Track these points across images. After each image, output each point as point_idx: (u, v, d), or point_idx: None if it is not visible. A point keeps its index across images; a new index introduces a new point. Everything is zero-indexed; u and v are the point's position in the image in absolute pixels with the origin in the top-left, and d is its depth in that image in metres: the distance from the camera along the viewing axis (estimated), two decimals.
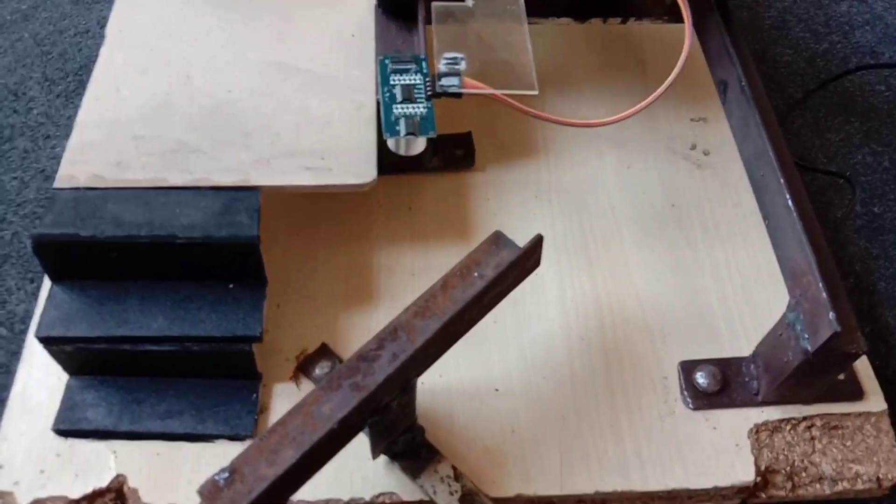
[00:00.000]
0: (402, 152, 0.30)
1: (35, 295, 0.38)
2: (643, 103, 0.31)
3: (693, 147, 0.45)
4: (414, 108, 0.29)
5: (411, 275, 0.38)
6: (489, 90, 0.29)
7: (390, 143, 0.29)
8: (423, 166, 0.41)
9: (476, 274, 0.29)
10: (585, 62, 0.48)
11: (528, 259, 0.28)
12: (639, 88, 0.47)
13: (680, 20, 0.44)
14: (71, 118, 0.46)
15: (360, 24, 0.40)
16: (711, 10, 0.39)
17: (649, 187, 0.42)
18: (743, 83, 0.35)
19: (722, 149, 0.44)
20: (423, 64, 0.30)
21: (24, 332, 0.37)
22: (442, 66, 0.29)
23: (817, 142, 0.52)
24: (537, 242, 0.28)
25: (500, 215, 0.41)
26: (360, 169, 0.34)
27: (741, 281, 0.39)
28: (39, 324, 0.30)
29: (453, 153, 0.42)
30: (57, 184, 0.32)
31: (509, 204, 0.41)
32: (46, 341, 0.30)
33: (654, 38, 0.48)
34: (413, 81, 0.30)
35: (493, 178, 0.42)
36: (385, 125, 0.29)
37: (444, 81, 0.29)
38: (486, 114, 0.44)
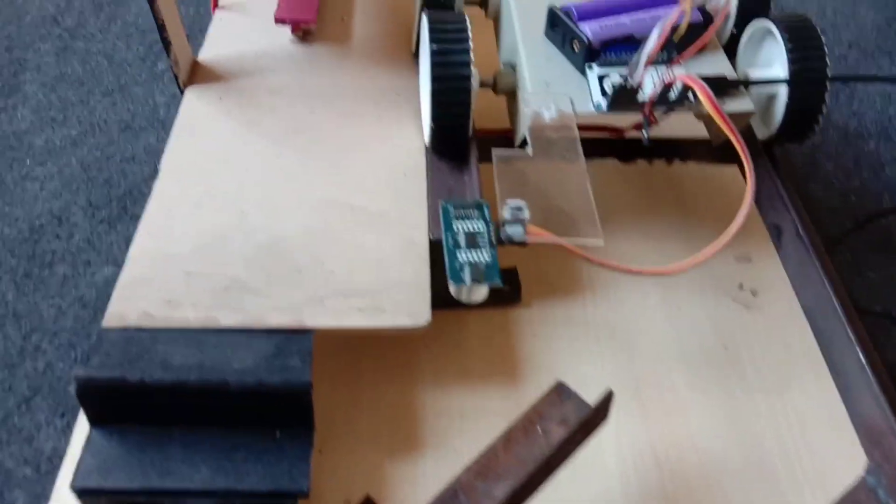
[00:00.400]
0: (464, 299, 0.29)
1: (65, 431, 0.36)
2: (712, 249, 0.30)
3: (740, 287, 0.44)
4: (478, 255, 0.28)
5: (460, 417, 0.36)
6: (554, 239, 0.29)
7: (453, 290, 0.28)
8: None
9: (540, 429, 0.28)
10: (623, 199, 0.49)
11: (599, 416, 0.27)
12: (680, 226, 0.47)
13: (725, 162, 0.45)
14: (113, 245, 0.46)
15: (412, 162, 0.40)
16: (760, 154, 0.40)
17: (698, 328, 0.41)
18: (800, 230, 0.35)
19: (769, 288, 0.44)
20: (486, 210, 0.30)
21: (50, 472, 0.35)
22: (506, 215, 0.29)
23: (858, 280, 0.51)
24: (608, 398, 0.27)
25: (548, 354, 0.39)
26: (413, 309, 0.33)
27: (800, 428, 0.38)
28: (75, 474, 0.28)
29: (499, 289, 0.41)
30: (106, 322, 0.31)
31: (557, 342, 0.40)
32: (82, 493, 0.28)
33: (694, 176, 0.49)
34: (476, 228, 0.29)
35: (539, 314, 0.41)
36: (450, 272, 0.28)
37: (509, 230, 0.29)
38: (530, 249, 0.44)
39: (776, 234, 0.38)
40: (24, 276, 0.43)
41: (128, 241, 0.44)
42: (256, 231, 0.36)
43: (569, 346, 0.40)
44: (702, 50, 0.38)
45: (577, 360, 0.39)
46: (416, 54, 0.46)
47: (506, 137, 0.42)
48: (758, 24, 0.41)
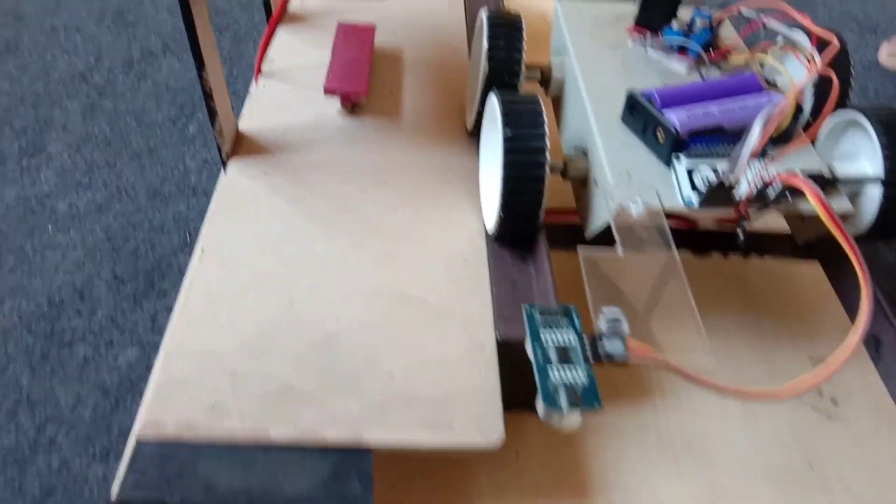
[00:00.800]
0: (553, 424, 0.25)
1: None
2: (830, 367, 0.27)
3: (820, 394, 0.40)
4: (573, 374, 0.25)
5: None
6: (660, 360, 0.26)
7: (543, 413, 0.25)
8: (528, 403, 0.36)
9: None
10: (693, 293, 0.45)
11: None
12: (749, 322, 0.43)
13: (804, 258, 0.42)
14: (138, 323, 0.43)
15: (472, 248, 0.37)
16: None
17: (780, 441, 0.38)
18: None
19: (851, 397, 0.40)
20: (575, 319, 0.27)
21: None
22: (602, 326, 0.26)
23: None
24: None
25: (620, 468, 0.35)
26: (485, 424, 0.29)
27: None
28: None
29: None
30: (141, 431, 0.27)
31: (628, 454, 0.36)
32: None
33: (762, 271, 0.46)
34: (567, 341, 0.26)
35: (607, 421, 0.37)
36: (542, 393, 0.25)
37: (608, 346, 0.25)
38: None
39: (874, 345, 0.34)
40: (41, 357, 0.40)
41: (154, 318, 0.40)
42: (307, 324, 0.32)
43: (642, 460, 0.36)
44: (788, 142, 0.35)
45: (651, 477, 0.35)
46: (472, 133, 0.44)
47: (570, 225, 0.39)
48: (841, 115, 0.38)
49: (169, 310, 0.42)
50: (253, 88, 0.48)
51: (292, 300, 0.33)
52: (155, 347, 0.42)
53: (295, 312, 0.33)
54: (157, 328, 0.43)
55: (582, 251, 0.29)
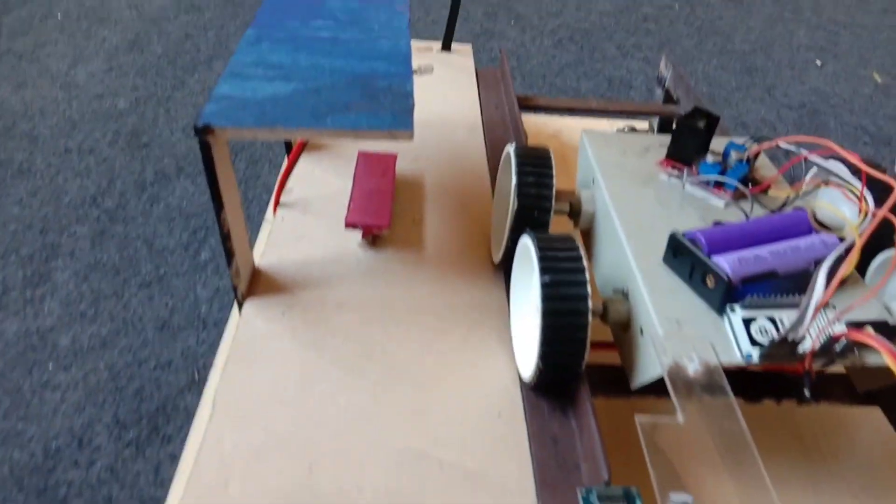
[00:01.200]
0: None
1: None
2: None
3: None
4: None
5: None
6: None
7: None
8: None
9: None
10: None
11: None
12: (803, 472, 0.40)
13: (863, 403, 0.39)
14: (140, 475, 0.39)
15: (506, 398, 0.34)
16: None
17: None
18: None
19: None
20: (638, 502, 0.24)
21: None
22: None
23: None
24: None
25: None
26: None
27: None
28: None
29: None
30: None
31: None
32: None
33: (817, 417, 0.43)
34: None
35: None
36: None
37: None
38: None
39: None
40: None
41: (157, 469, 0.37)
42: (328, 495, 0.29)
43: None
44: (843, 283, 0.33)
45: None
46: (499, 266, 0.42)
47: (611, 367, 0.37)
48: (890, 253, 0.36)
49: (172, 458, 0.38)
50: (270, 216, 0.47)
51: (311, 465, 0.30)
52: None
53: (314, 480, 0.29)
54: (160, 480, 0.39)
55: (640, 420, 0.26)
